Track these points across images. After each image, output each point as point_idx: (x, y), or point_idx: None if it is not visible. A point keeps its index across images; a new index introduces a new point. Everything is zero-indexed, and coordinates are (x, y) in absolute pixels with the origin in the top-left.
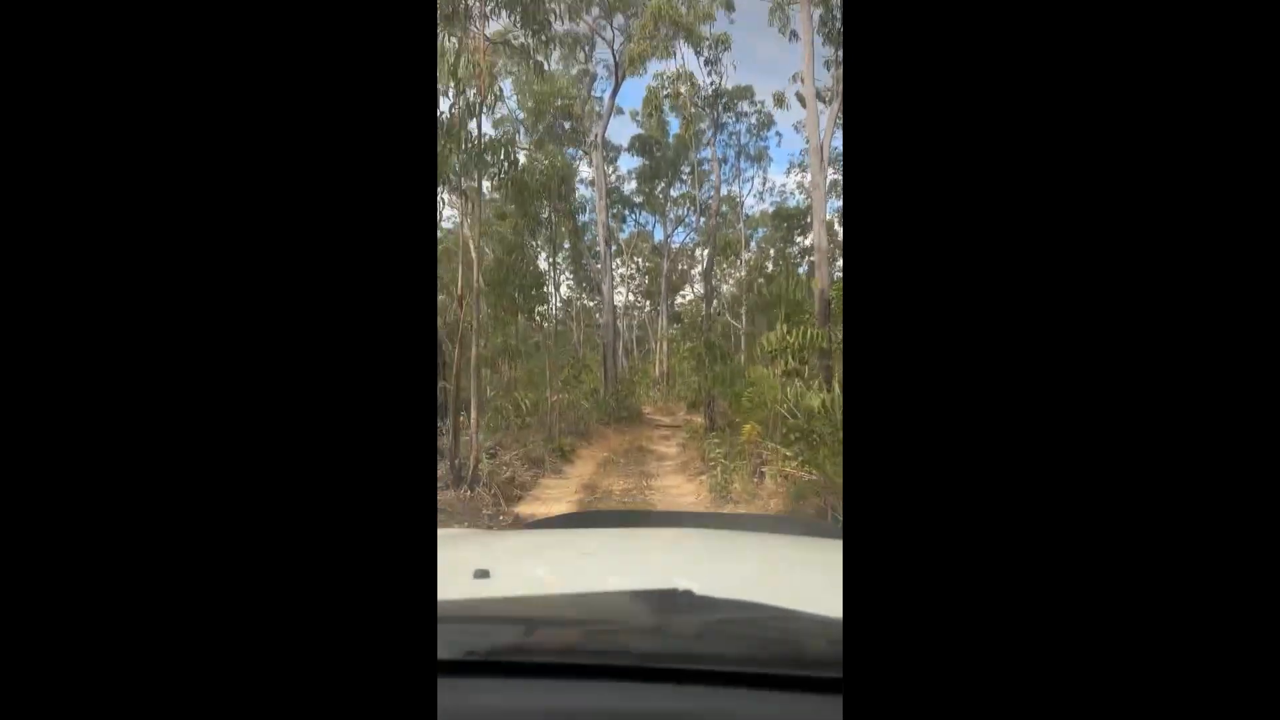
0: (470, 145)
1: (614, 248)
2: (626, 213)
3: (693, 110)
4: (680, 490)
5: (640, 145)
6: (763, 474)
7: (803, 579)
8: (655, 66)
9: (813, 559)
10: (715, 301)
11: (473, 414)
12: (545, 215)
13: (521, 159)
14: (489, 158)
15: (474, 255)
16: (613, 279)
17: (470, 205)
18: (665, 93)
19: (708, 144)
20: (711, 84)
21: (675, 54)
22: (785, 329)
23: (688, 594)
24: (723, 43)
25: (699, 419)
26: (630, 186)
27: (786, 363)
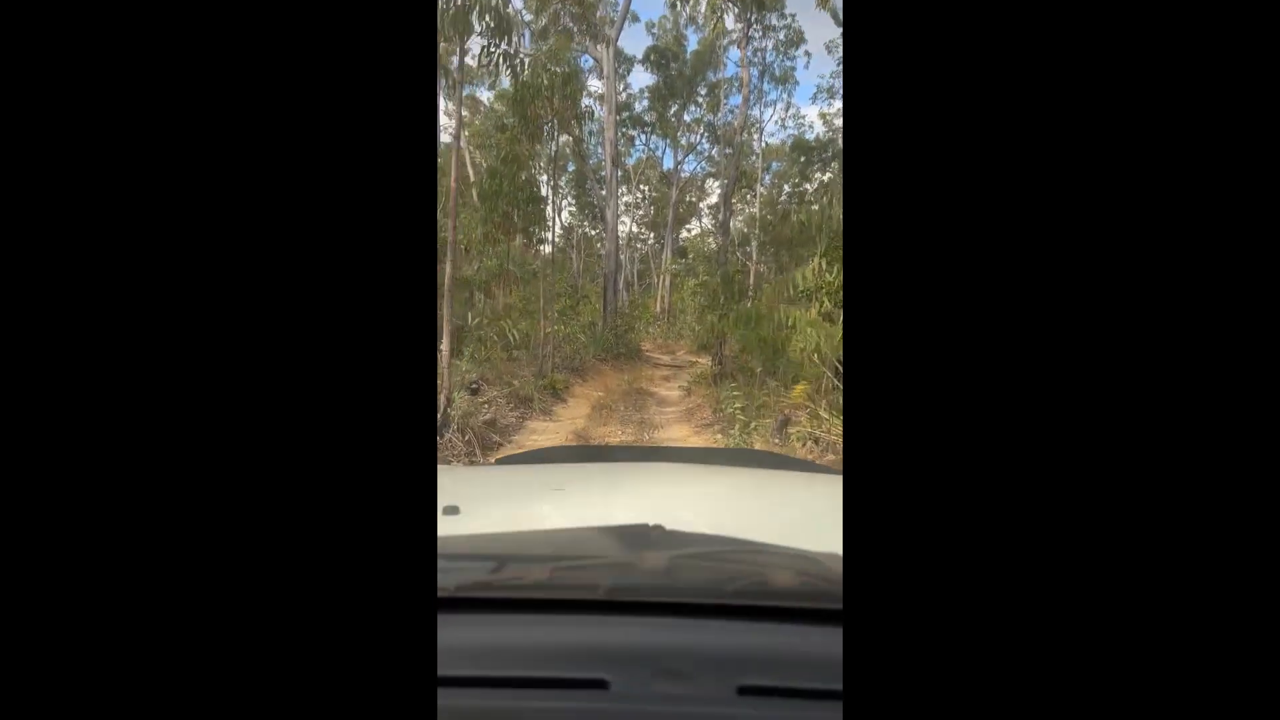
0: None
1: (620, 173)
2: (636, 134)
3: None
4: (687, 445)
5: (656, 59)
6: (787, 434)
7: (773, 513)
8: None
9: (786, 492)
10: (721, 240)
11: (444, 343)
12: (548, 127)
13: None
14: (489, 48)
15: (465, 153)
16: (618, 205)
17: (454, 84)
18: None
19: (733, 49)
20: None
21: None
22: (824, 264)
23: (658, 529)
24: None
25: (701, 360)
26: (642, 105)
27: (822, 304)
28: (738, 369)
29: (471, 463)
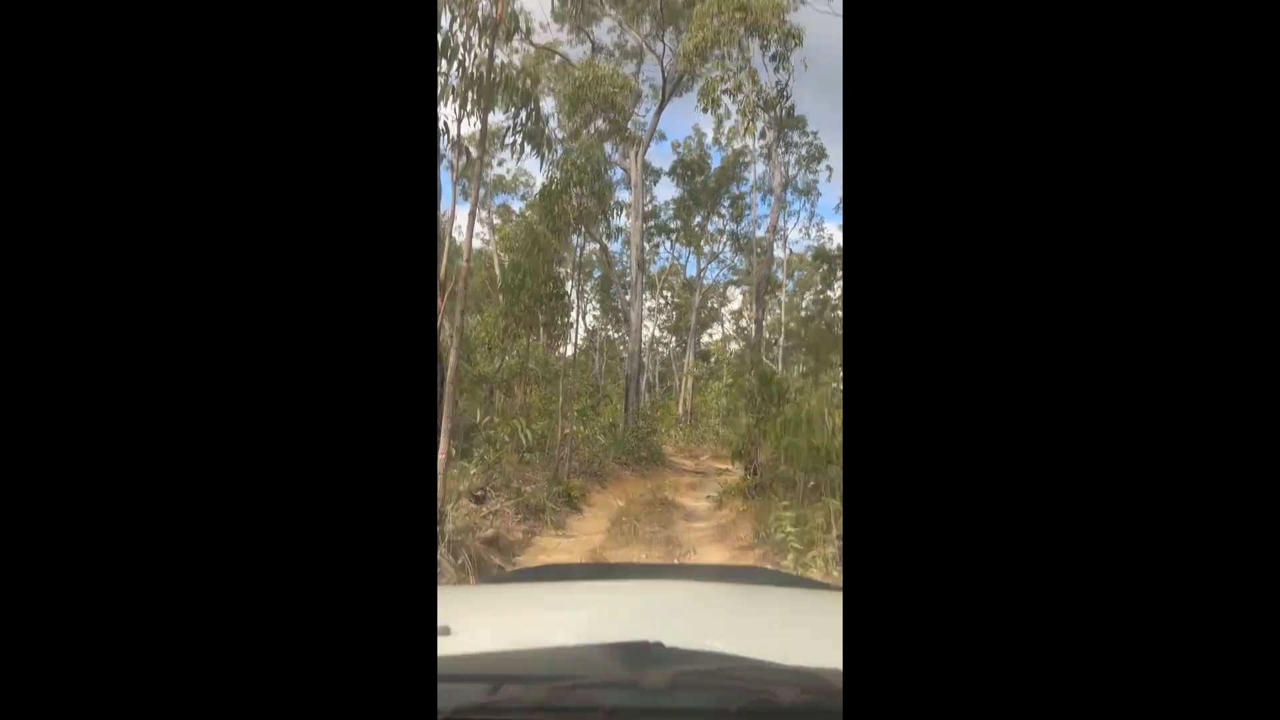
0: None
1: (644, 278)
2: (660, 239)
3: (754, 105)
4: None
5: (681, 171)
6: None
7: (775, 628)
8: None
9: (783, 608)
10: (754, 337)
11: (442, 442)
12: (575, 235)
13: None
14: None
15: (492, 255)
16: (642, 307)
17: (475, 170)
18: (724, 87)
19: (759, 156)
20: (777, 84)
21: (739, 45)
22: None
23: (658, 646)
24: (794, 37)
25: (725, 466)
26: (667, 214)
27: None
28: (774, 479)
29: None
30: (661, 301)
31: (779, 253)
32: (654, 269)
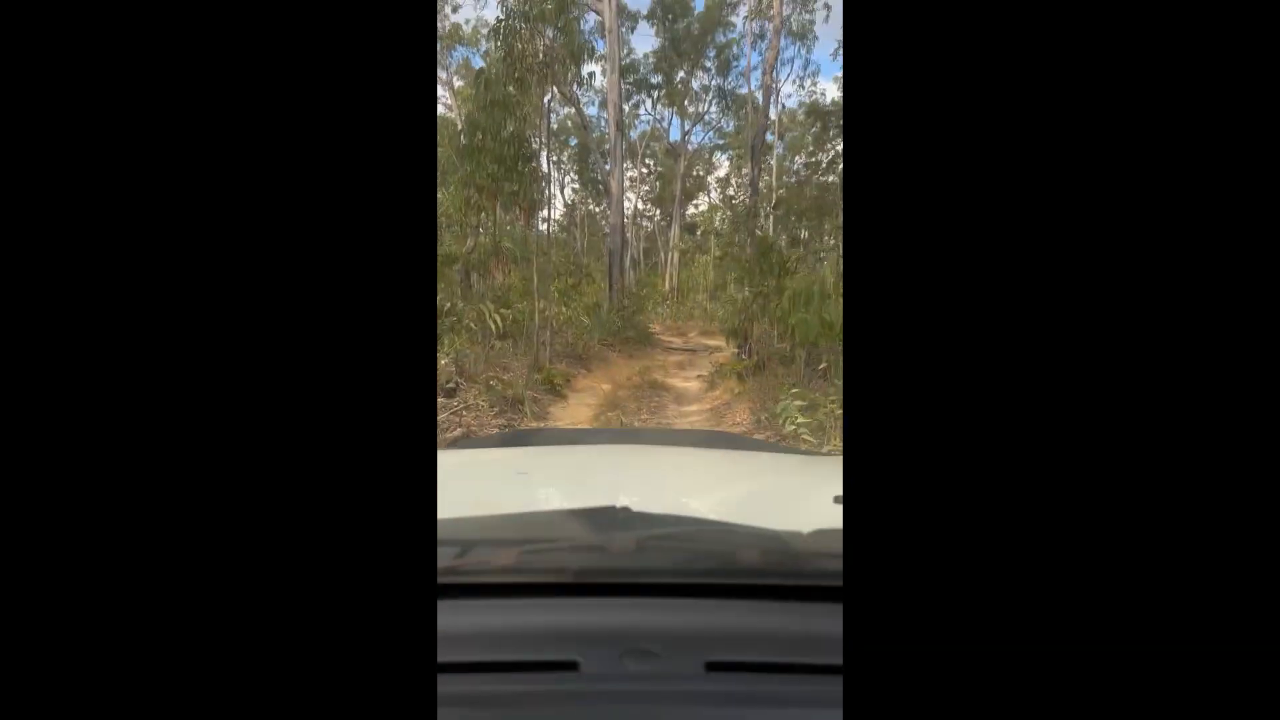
0: None
1: (624, 145)
2: (641, 98)
3: None
4: None
5: (662, 15)
6: None
7: (740, 491)
8: None
9: (750, 472)
10: (741, 205)
11: None
12: (541, 81)
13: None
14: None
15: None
16: (623, 177)
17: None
18: None
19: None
20: None
21: None
22: None
23: (625, 510)
24: None
25: (715, 342)
26: (646, 68)
27: None
28: (770, 356)
29: None
30: (644, 170)
31: (772, 113)
32: (634, 135)
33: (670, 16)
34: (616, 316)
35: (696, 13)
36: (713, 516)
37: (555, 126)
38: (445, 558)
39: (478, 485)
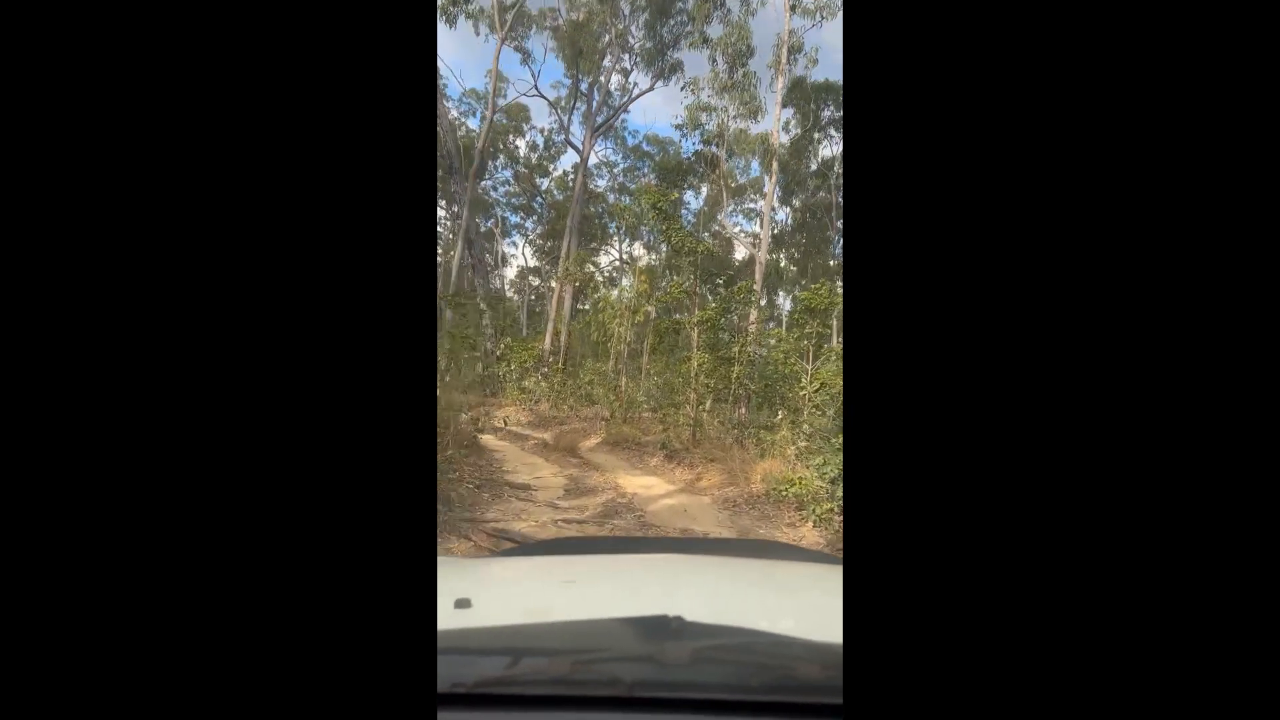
0: None
1: None
2: None
3: None
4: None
5: None
6: None
7: (795, 603)
8: None
9: (804, 583)
10: None
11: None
12: None
13: None
14: None
15: None
16: None
17: None
18: None
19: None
20: None
21: None
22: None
23: (678, 620)
24: None
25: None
26: None
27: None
28: (704, 468)
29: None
30: None
31: None
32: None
33: None
34: None
35: None
36: (765, 627)
37: None
38: (498, 667)
39: (530, 592)
